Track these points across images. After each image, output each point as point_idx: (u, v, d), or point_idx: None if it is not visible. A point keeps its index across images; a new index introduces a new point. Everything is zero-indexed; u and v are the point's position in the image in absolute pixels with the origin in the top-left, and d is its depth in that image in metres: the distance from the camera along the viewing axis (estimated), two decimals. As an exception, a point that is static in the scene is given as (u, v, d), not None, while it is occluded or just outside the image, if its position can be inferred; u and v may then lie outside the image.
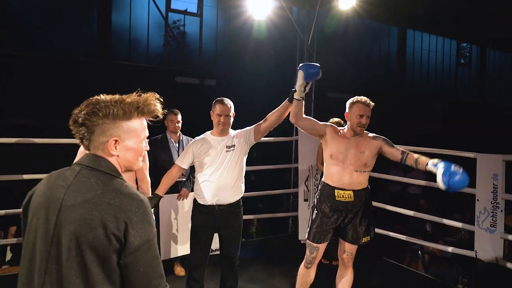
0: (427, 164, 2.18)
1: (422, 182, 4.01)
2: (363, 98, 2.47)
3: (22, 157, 6.09)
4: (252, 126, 2.62)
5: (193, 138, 2.90)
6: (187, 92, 8.19)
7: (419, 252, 4.48)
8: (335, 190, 2.41)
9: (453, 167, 2.00)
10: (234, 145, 2.55)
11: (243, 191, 2.66)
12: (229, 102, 2.56)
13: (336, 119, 3.84)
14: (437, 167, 2.07)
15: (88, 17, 7.98)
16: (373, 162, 2.48)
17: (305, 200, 4.51)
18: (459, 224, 3.84)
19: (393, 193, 7.53)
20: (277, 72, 9.06)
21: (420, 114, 11.73)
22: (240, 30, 8.48)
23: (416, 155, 2.32)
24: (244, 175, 2.64)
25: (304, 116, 2.48)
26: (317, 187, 3.95)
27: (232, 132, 2.63)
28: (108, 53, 8.09)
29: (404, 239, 4.01)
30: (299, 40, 5.31)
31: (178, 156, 2.97)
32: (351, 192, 2.38)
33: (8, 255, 4.46)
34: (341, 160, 2.41)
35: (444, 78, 14.16)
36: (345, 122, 3.93)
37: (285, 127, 6.41)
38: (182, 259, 3.60)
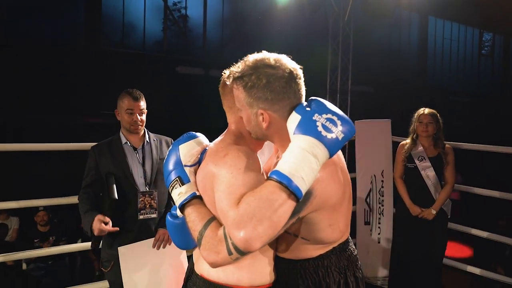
0: None
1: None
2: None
3: None
4: None
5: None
6: (189, 83, 7.57)
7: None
8: None
9: None
10: None
11: None
12: None
13: (428, 110, 2.79)
14: None
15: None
16: None
17: (366, 223, 3.28)
18: None
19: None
20: (302, 58, 7.98)
21: (441, 108, 10.87)
22: (252, 9, 7.43)
23: None
24: None
25: None
26: (382, 205, 2.97)
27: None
28: (98, 38, 7.50)
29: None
30: (331, 16, 4.25)
31: None
32: None
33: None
34: None
35: (466, 70, 13.25)
36: (441, 115, 2.85)
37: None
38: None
